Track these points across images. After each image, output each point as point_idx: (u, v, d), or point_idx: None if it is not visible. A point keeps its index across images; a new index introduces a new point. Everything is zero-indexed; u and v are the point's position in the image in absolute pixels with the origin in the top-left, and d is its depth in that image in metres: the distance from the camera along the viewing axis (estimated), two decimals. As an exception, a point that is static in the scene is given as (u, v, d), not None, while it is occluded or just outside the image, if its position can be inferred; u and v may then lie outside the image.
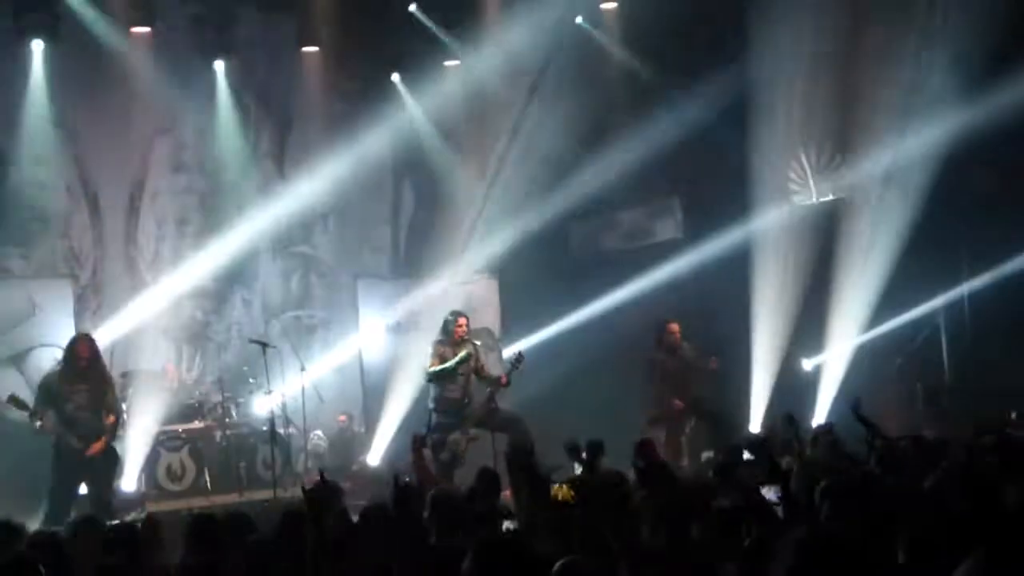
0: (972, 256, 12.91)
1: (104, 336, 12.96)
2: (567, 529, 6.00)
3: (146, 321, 14.48)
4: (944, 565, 4.42)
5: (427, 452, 11.27)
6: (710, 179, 14.94)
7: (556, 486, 8.17)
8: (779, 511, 6.54)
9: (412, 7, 15.55)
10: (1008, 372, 12.09)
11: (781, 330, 14.08)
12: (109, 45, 14.11)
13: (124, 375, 13.55)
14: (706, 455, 12.60)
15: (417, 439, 10.28)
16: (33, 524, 9.05)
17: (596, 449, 9.48)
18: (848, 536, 5.09)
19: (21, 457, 11.96)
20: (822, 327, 14.00)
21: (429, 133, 16.34)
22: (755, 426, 13.53)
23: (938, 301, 13.28)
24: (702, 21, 14.30)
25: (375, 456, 14.75)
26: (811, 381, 13.97)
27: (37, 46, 13.95)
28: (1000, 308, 12.55)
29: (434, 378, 11.92)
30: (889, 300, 13.44)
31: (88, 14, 13.96)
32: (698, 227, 15.10)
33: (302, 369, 13.57)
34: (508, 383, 11.97)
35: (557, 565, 4.53)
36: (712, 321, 13.87)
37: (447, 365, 11.83)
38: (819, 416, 13.10)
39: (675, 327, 13.19)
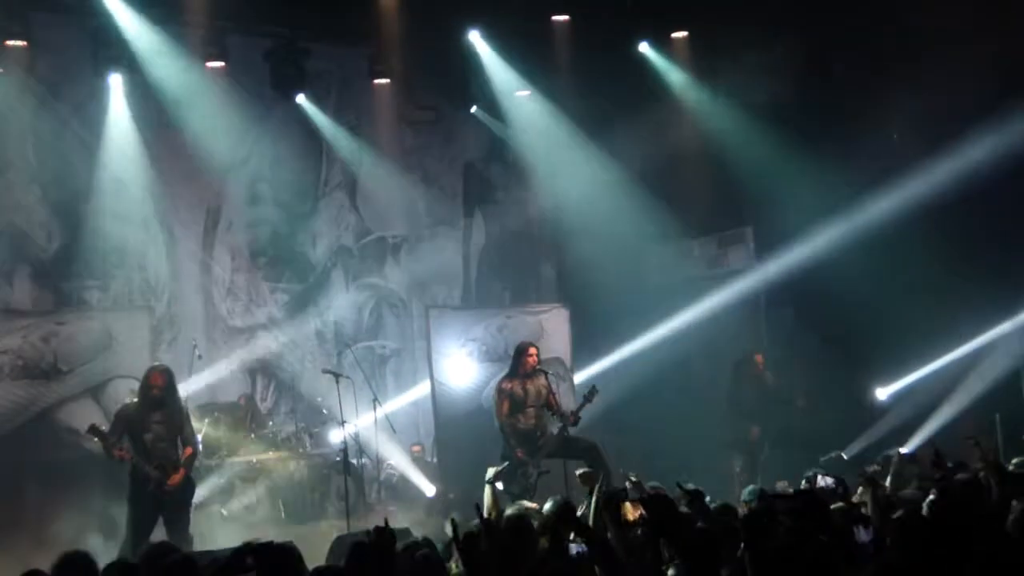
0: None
1: (180, 368, 13.06)
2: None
3: (221, 353, 14.64)
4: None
5: (499, 484, 11.22)
6: (783, 208, 14.78)
7: (626, 504, 8.07)
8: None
9: (480, 37, 15.56)
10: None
11: (858, 359, 13.90)
12: (185, 80, 14.31)
13: (200, 407, 13.68)
14: (781, 485, 12.37)
15: (496, 474, 10.23)
16: (111, 555, 9.10)
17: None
18: (915, 569, 4.99)
19: (99, 487, 12.06)
20: (898, 355, 13.84)
21: (498, 163, 16.36)
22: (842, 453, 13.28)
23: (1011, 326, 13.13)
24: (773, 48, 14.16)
25: (439, 485, 14.61)
26: (888, 410, 13.79)
27: (115, 80, 14.22)
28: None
29: (504, 426, 11.80)
30: (966, 328, 13.27)
31: (163, 49, 14.16)
32: (770, 256, 14.97)
33: (375, 400, 13.57)
34: (578, 420, 11.79)
35: None
36: (785, 345, 13.69)
37: (506, 411, 11.71)
38: (899, 445, 12.88)
39: (759, 358, 13.09)
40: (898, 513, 6.08)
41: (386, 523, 6.09)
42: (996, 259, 13.05)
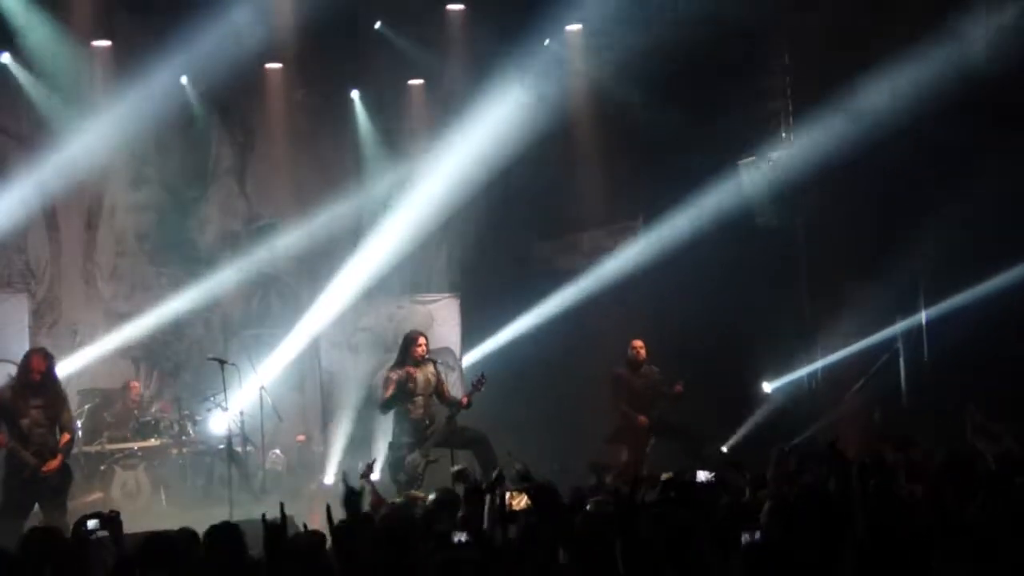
0: (929, 285, 13.07)
1: (61, 352, 12.78)
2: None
3: (104, 338, 14.37)
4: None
5: (380, 475, 11.12)
6: (672, 198, 14.91)
7: (511, 494, 8.05)
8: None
9: (378, 24, 15.50)
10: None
11: (744, 351, 14.08)
12: (69, 58, 14.02)
13: (81, 392, 13.40)
14: (666, 476, 12.45)
15: (367, 467, 10.12)
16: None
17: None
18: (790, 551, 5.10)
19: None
20: (784, 349, 14.06)
21: (389, 150, 16.29)
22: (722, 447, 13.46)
23: (897, 327, 13.41)
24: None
25: (330, 475, 14.55)
26: (773, 403, 14.02)
27: (-3, 56, 13.93)
28: (958, 337, 12.65)
29: (386, 410, 11.74)
30: (850, 324, 13.53)
31: (48, 27, 13.87)
32: (658, 246, 15.11)
33: (261, 388, 13.40)
34: (470, 405, 11.81)
35: None
36: (671, 339, 13.79)
37: (390, 395, 11.64)
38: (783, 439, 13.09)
39: (639, 344, 13.10)
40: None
41: (282, 511, 5.97)
42: (881, 260, 13.31)
